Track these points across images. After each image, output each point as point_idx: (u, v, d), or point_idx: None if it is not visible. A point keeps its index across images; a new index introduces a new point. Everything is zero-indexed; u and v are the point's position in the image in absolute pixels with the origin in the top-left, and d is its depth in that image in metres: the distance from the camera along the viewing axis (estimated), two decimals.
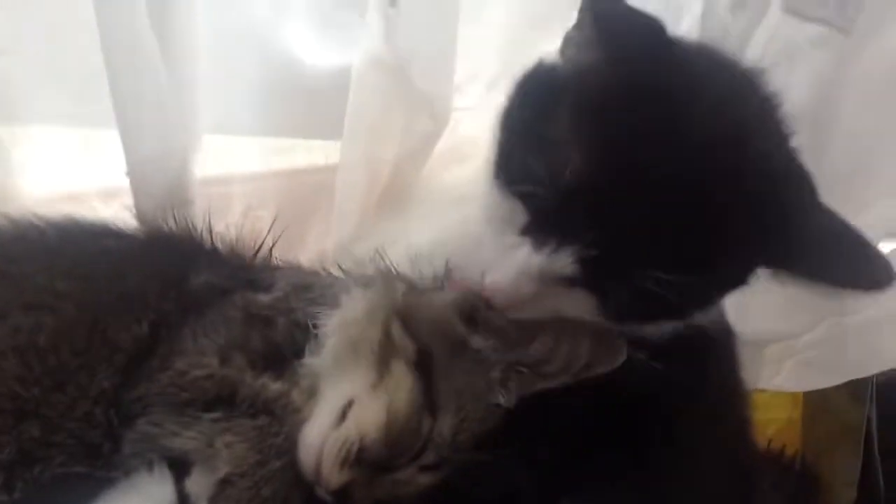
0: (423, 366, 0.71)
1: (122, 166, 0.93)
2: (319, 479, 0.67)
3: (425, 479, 0.69)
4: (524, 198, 0.70)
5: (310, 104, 1.07)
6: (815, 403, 1.50)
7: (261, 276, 0.83)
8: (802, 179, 0.71)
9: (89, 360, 0.75)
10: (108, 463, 0.73)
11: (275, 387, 0.73)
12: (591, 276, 0.67)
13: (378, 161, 1.03)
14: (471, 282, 0.74)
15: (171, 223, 0.87)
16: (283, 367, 0.75)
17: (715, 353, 0.81)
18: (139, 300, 0.78)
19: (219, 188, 1.04)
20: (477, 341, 0.72)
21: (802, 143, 0.95)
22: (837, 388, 1.33)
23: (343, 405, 0.70)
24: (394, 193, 1.05)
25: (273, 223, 0.91)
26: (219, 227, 0.88)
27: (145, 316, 0.77)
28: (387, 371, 0.70)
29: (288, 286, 0.81)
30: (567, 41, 0.73)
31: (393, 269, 0.79)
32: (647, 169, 0.64)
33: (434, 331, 0.72)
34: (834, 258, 0.68)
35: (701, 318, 0.75)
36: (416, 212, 0.99)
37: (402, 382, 0.69)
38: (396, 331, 0.72)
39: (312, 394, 0.73)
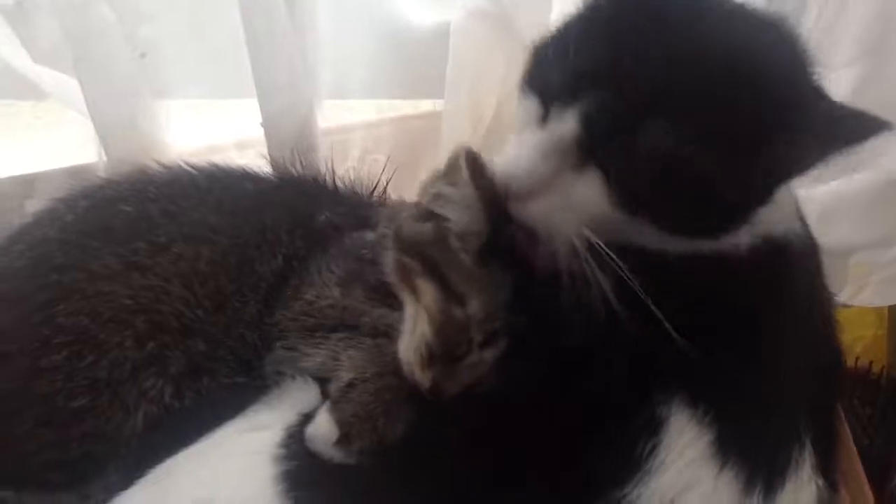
0: (433, 271, 0.74)
1: (254, 122, 1.01)
2: (417, 383, 0.72)
3: (490, 354, 0.72)
4: (538, 90, 0.72)
5: (415, 62, 1.11)
6: None
7: (373, 215, 0.87)
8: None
9: (241, 286, 0.81)
10: (261, 374, 0.80)
11: (393, 315, 0.77)
12: (595, 139, 0.66)
13: (480, 106, 1.07)
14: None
15: (299, 167, 0.93)
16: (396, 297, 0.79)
17: (797, 261, 0.80)
18: (275, 235, 0.84)
19: (339, 136, 1.10)
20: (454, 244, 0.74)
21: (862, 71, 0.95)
22: None
23: (412, 321, 0.74)
24: (496, 136, 1.08)
25: (386, 165, 0.96)
26: (339, 171, 0.93)
27: (280, 251, 0.83)
28: (415, 288, 0.75)
29: (386, 223, 0.84)
30: None
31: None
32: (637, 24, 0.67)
33: (421, 242, 0.75)
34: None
35: (732, 237, 0.73)
36: None
37: (427, 291, 0.73)
38: (400, 255, 0.76)
39: None
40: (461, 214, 0.72)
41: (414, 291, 0.75)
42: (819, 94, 0.69)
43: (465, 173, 0.71)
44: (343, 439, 0.70)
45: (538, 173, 0.69)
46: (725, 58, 0.66)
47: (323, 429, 0.71)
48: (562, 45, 0.71)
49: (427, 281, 0.74)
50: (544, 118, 0.70)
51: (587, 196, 0.69)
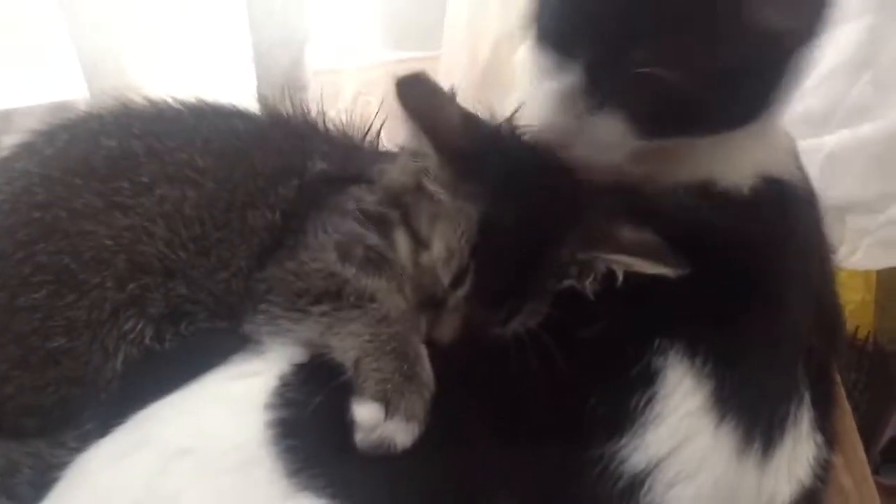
0: (406, 219, 0.76)
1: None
2: None
3: (462, 292, 0.72)
4: (546, 43, 0.75)
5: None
6: (888, 284, 1.51)
7: (369, 170, 0.84)
8: None
9: (229, 235, 0.79)
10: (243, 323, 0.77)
11: (377, 283, 0.75)
12: (601, 81, 0.71)
13: (477, 49, 1.06)
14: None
15: (289, 107, 0.90)
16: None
17: (799, 207, 0.82)
18: (267, 183, 0.81)
19: (330, 77, 1.09)
20: (428, 185, 0.75)
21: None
22: None
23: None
24: (493, 74, 1.08)
25: (380, 107, 0.93)
26: (331, 112, 0.91)
27: (277, 204, 0.81)
28: (393, 242, 0.76)
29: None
30: None
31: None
32: None
33: (401, 190, 0.77)
34: None
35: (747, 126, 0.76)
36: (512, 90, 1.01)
37: (401, 243, 0.75)
38: (386, 207, 0.77)
39: None
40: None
41: (392, 246, 0.76)
42: None
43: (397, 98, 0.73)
44: (388, 408, 0.67)
45: (560, 125, 0.74)
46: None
47: (366, 415, 0.67)
48: None
49: (401, 231, 0.76)
50: (555, 70, 0.74)
51: (614, 134, 0.73)
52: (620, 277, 0.71)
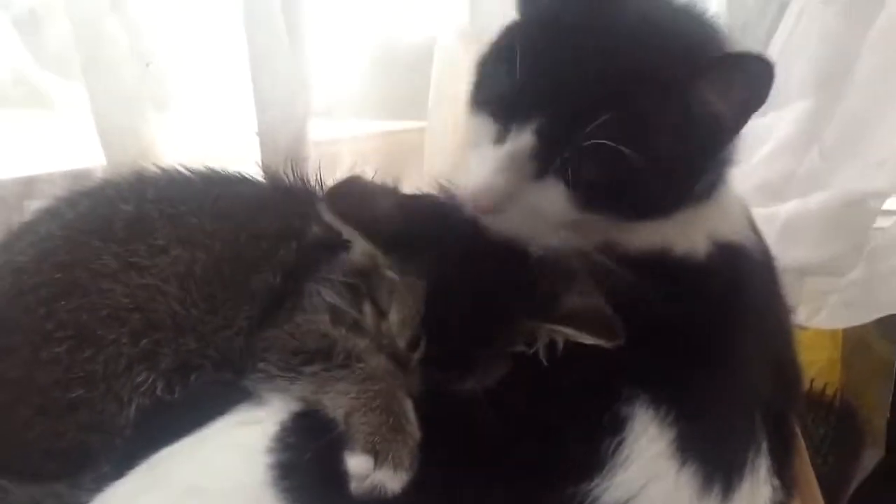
0: (369, 291, 0.80)
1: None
2: None
3: (417, 355, 0.77)
4: (491, 109, 0.77)
5: (401, 79, 1.17)
6: (854, 342, 1.54)
7: None
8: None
9: (235, 295, 0.84)
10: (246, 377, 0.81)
11: (363, 343, 0.80)
12: (550, 148, 0.73)
13: (461, 125, 1.08)
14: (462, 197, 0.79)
15: (290, 176, 0.95)
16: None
17: (754, 270, 0.85)
18: (271, 246, 0.86)
19: (328, 148, 1.14)
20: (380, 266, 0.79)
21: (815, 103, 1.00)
22: (875, 326, 1.37)
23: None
24: None
25: (375, 176, 1.00)
26: (329, 181, 0.94)
27: (278, 267, 0.85)
28: (361, 311, 0.81)
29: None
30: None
31: None
32: (569, 43, 0.74)
33: (363, 269, 0.81)
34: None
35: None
36: None
37: (367, 311, 0.80)
38: (353, 279, 0.82)
39: None
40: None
41: (362, 313, 0.80)
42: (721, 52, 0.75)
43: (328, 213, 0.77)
44: (377, 458, 0.71)
45: (500, 187, 0.75)
46: (638, 60, 0.73)
47: (357, 466, 0.71)
48: (505, 60, 0.77)
49: (367, 300, 0.80)
50: (499, 135, 0.76)
51: (550, 203, 0.76)
52: (560, 346, 0.76)
